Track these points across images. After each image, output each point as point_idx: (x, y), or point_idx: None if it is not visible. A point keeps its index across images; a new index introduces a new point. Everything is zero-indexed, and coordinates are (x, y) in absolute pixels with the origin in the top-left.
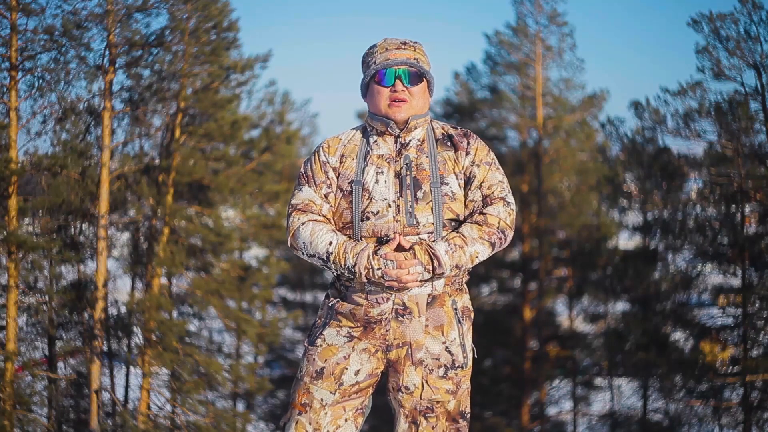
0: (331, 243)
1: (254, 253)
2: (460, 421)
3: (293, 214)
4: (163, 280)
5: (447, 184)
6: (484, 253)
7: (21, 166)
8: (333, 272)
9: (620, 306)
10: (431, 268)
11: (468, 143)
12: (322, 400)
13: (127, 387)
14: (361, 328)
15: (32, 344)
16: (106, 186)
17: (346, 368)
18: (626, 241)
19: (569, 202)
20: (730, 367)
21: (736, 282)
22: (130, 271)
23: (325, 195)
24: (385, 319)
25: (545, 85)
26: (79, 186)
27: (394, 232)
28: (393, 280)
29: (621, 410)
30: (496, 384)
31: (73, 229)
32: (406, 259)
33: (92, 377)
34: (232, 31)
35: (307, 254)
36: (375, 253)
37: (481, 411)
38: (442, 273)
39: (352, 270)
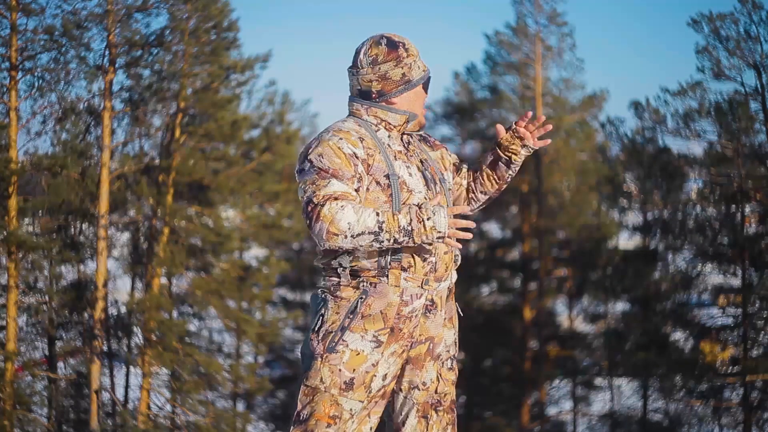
0: (378, 214)
1: (254, 253)
2: (454, 410)
3: (329, 203)
4: (163, 280)
5: (446, 179)
6: None
7: (21, 166)
8: (381, 244)
9: (620, 306)
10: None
11: (439, 143)
12: (351, 410)
13: (127, 387)
14: (389, 330)
15: (32, 344)
16: (106, 186)
17: (375, 375)
18: (626, 241)
19: (569, 202)
20: (730, 367)
21: (736, 282)
22: (130, 271)
23: (356, 189)
24: (415, 316)
25: (545, 85)
26: (79, 186)
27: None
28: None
29: (621, 410)
30: (496, 384)
31: (73, 229)
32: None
33: (92, 377)
34: (232, 31)
35: (352, 234)
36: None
37: (481, 411)
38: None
39: (408, 229)
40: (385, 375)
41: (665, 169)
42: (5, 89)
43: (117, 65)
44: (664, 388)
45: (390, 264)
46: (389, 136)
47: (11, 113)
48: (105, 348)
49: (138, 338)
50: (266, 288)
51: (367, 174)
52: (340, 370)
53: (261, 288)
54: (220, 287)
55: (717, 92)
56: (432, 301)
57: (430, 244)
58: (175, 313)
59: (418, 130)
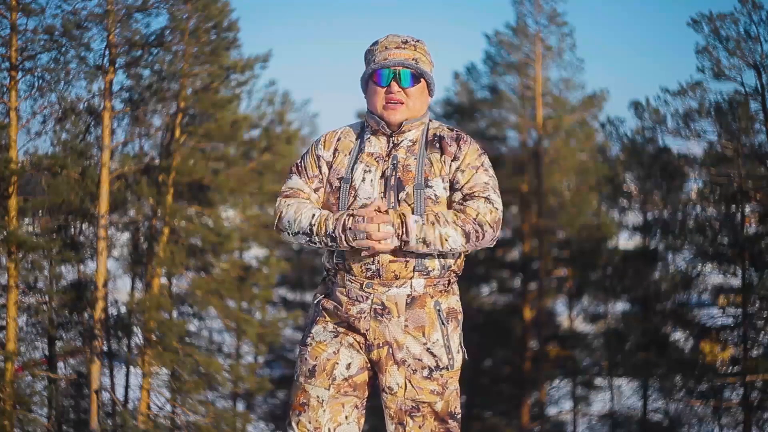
0: (314, 216)
1: (254, 253)
2: (450, 421)
3: (280, 199)
4: (163, 280)
5: (431, 187)
6: (455, 238)
7: (21, 166)
8: (317, 245)
9: (620, 306)
10: (399, 234)
11: (458, 147)
12: (318, 397)
13: (127, 387)
14: (345, 323)
15: (32, 344)
16: (106, 186)
17: (337, 363)
18: (626, 241)
19: (569, 202)
20: (730, 367)
21: (736, 282)
22: (130, 271)
23: (315, 189)
24: (364, 318)
25: (545, 85)
26: (79, 186)
27: (379, 196)
28: (363, 238)
29: (621, 410)
30: (496, 384)
31: (73, 229)
32: (377, 215)
33: (92, 377)
34: (232, 31)
35: (292, 232)
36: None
37: (481, 411)
38: (408, 242)
39: (333, 235)
40: (349, 365)
41: (665, 169)
42: (5, 89)
43: (117, 65)
44: (664, 388)
45: (336, 265)
46: (368, 138)
47: (11, 113)
48: (105, 348)
49: (138, 338)
50: (266, 288)
51: (328, 174)
52: (306, 359)
53: (261, 288)
54: (220, 287)
55: (717, 92)
56: (383, 305)
57: (359, 249)
58: (175, 313)
59: (398, 129)
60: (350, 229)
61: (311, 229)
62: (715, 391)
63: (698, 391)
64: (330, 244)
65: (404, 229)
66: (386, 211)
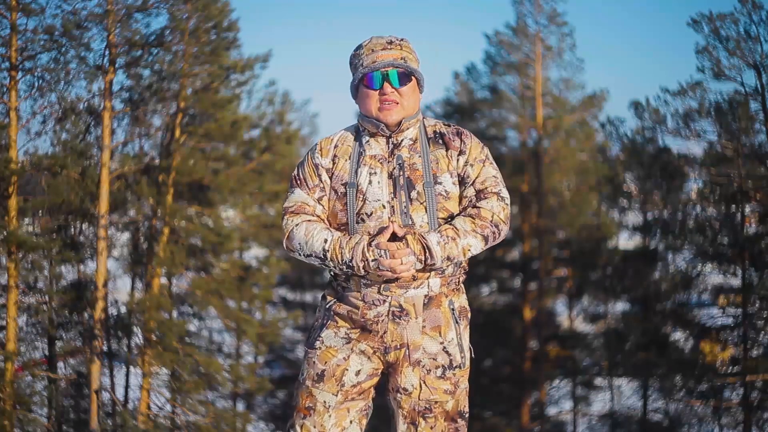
0: (326, 240)
1: (254, 253)
2: (459, 420)
3: (286, 216)
4: (163, 280)
5: (440, 183)
6: (476, 246)
7: (21, 166)
8: (331, 269)
9: (620, 306)
10: (423, 259)
11: (462, 142)
12: (325, 402)
13: (127, 387)
14: (359, 329)
15: (32, 344)
16: (106, 186)
17: (347, 369)
18: (626, 241)
19: (569, 202)
20: (730, 367)
21: (736, 282)
22: (130, 271)
23: (318, 199)
24: (382, 321)
25: (545, 85)
26: (79, 186)
27: (390, 220)
28: (387, 270)
29: (621, 410)
30: (496, 384)
31: (73, 229)
32: (398, 249)
33: (92, 377)
34: (232, 31)
35: (303, 254)
36: (369, 244)
37: (481, 411)
38: (434, 264)
39: (350, 264)
40: (358, 371)
41: (665, 169)
42: (5, 89)
43: (117, 65)
44: (664, 388)
45: (349, 271)
46: (367, 141)
47: (11, 113)
48: (105, 348)
49: (138, 338)
50: (266, 288)
51: (330, 181)
52: (314, 362)
53: (261, 288)
54: (220, 287)
55: (717, 92)
56: (401, 307)
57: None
58: (175, 313)
59: (397, 129)
60: (373, 260)
61: (325, 255)
62: (715, 391)
63: (698, 391)
64: (346, 270)
65: (428, 254)
66: (404, 237)
